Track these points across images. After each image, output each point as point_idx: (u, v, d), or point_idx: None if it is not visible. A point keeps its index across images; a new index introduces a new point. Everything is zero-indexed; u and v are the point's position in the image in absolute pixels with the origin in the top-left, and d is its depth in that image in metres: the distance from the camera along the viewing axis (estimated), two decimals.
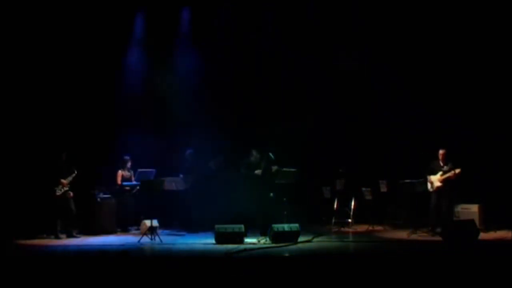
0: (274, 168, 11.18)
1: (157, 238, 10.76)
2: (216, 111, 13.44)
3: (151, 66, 13.59)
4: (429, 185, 11.56)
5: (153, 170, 11.21)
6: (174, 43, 13.59)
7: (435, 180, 11.50)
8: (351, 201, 13.14)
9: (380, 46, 13.36)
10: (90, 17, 12.82)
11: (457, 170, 11.28)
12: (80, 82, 12.97)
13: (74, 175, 11.53)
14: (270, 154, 11.29)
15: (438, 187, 11.45)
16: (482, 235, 10.81)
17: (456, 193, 11.72)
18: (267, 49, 13.68)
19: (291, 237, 10.34)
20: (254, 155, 11.36)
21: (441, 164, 11.55)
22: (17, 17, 12.31)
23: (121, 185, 12.48)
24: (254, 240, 10.55)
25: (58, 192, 11.42)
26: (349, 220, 13.08)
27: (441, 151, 11.60)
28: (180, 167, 12.36)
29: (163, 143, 13.23)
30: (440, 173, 11.49)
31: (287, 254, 9.42)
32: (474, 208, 12.18)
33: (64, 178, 11.48)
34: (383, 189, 12.76)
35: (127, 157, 12.46)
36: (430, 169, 11.60)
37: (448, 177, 11.40)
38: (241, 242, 10.20)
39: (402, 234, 11.42)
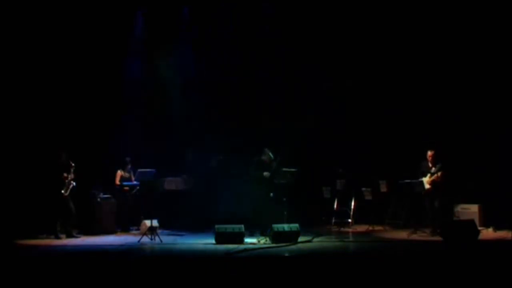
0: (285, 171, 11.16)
1: (157, 238, 10.76)
2: (217, 110, 13.44)
3: (151, 65, 13.59)
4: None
5: (153, 170, 11.21)
6: (174, 42, 13.57)
7: (425, 182, 11.45)
8: (351, 201, 13.14)
9: (379, 46, 13.37)
10: (90, 16, 12.81)
11: (439, 173, 11.20)
12: (80, 82, 12.97)
13: (73, 168, 11.50)
14: (270, 153, 11.28)
15: (427, 190, 11.42)
16: (482, 235, 10.83)
17: (449, 194, 11.69)
18: (267, 48, 13.69)
19: (291, 237, 10.34)
20: (267, 154, 11.29)
21: (430, 165, 11.46)
22: (18, 17, 12.31)
23: (119, 185, 12.49)
24: (254, 240, 10.56)
25: (66, 193, 11.42)
26: (349, 220, 13.08)
27: (429, 153, 11.48)
28: (182, 166, 12.37)
29: (163, 143, 13.25)
30: (429, 175, 11.44)
31: (287, 254, 9.42)
32: (474, 208, 12.19)
33: (66, 177, 11.47)
34: (383, 189, 12.76)
35: (127, 158, 12.47)
36: (421, 170, 11.56)
37: (434, 179, 11.35)
38: (241, 242, 10.20)
39: (402, 234, 11.42)
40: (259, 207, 11.16)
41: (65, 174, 11.41)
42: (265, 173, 11.18)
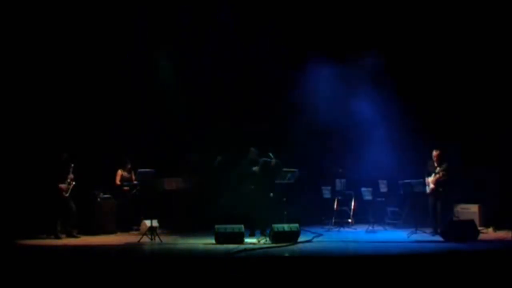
0: (273, 161, 11.20)
1: (157, 238, 10.76)
2: (217, 110, 13.44)
3: (151, 65, 13.58)
4: (427, 187, 11.53)
5: (153, 170, 11.21)
6: (174, 42, 13.55)
7: (430, 181, 11.46)
8: (351, 201, 13.15)
9: (378, 45, 13.35)
10: (89, 16, 12.79)
11: (440, 173, 11.21)
12: (80, 82, 12.95)
13: (71, 168, 11.50)
14: (270, 154, 11.31)
15: (432, 189, 11.42)
16: (482, 235, 10.83)
17: (452, 194, 11.69)
18: (266, 48, 13.67)
19: (291, 237, 10.34)
20: (253, 152, 11.39)
21: (435, 165, 11.48)
22: (19, 17, 12.30)
23: (119, 185, 12.49)
24: (254, 240, 10.56)
25: (67, 193, 11.43)
26: (349, 220, 13.09)
27: (434, 152, 11.50)
28: (182, 166, 12.40)
29: (163, 143, 13.25)
30: (433, 174, 11.44)
31: (287, 254, 9.42)
32: (474, 208, 12.21)
33: (66, 178, 11.47)
34: (383, 189, 12.75)
35: (127, 158, 12.47)
36: (427, 170, 11.58)
37: (437, 178, 11.34)
38: (241, 242, 10.20)
39: (402, 234, 11.42)
40: (258, 207, 11.18)
41: (71, 176, 11.43)
42: (254, 168, 11.23)
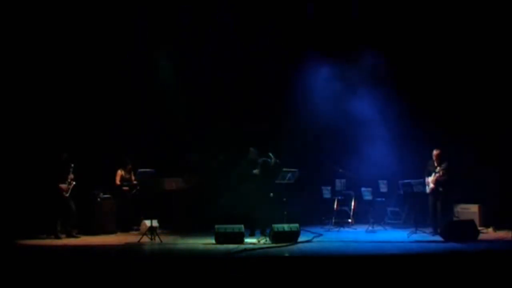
0: (273, 161, 11.21)
1: (157, 238, 10.76)
2: (217, 110, 13.44)
3: (151, 65, 13.57)
4: (427, 187, 11.53)
5: (153, 170, 11.22)
6: (174, 42, 13.55)
7: (430, 181, 11.46)
8: (351, 201, 13.15)
9: (377, 45, 13.35)
10: (90, 16, 12.79)
11: (441, 173, 11.22)
12: (80, 82, 12.95)
13: (71, 168, 11.50)
14: (270, 154, 11.32)
15: (432, 189, 11.42)
16: (482, 235, 10.83)
17: (452, 194, 11.69)
18: (265, 48, 13.66)
19: (291, 237, 10.34)
20: (253, 152, 11.41)
21: (435, 164, 11.47)
22: (20, 17, 12.29)
23: (119, 185, 12.49)
24: (254, 240, 10.56)
25: (67, 193, 11.43)
26: (349, 220, 13.10)
27: (435, 152, 11.50)
28: (184, 167, 12.40)
29: (163, 143, 13.24)
30: (433, 174, 11.44)
31: (287, 254, 9.42)
32: (474, 208, 12.21)
33: (66, 178, 11.47)
34: (383, 189, 12.75)
35: (127, 158, 12.47)
36: (427, 170, 11.58)
37: (437, 178, 11.34)
38: (241, 242, 10.21)
39: (402, 234, 11.42)
40: (258, 207, 11.18)
41: (71, 176, 11.42)
42: (255, 171, 11.26)
